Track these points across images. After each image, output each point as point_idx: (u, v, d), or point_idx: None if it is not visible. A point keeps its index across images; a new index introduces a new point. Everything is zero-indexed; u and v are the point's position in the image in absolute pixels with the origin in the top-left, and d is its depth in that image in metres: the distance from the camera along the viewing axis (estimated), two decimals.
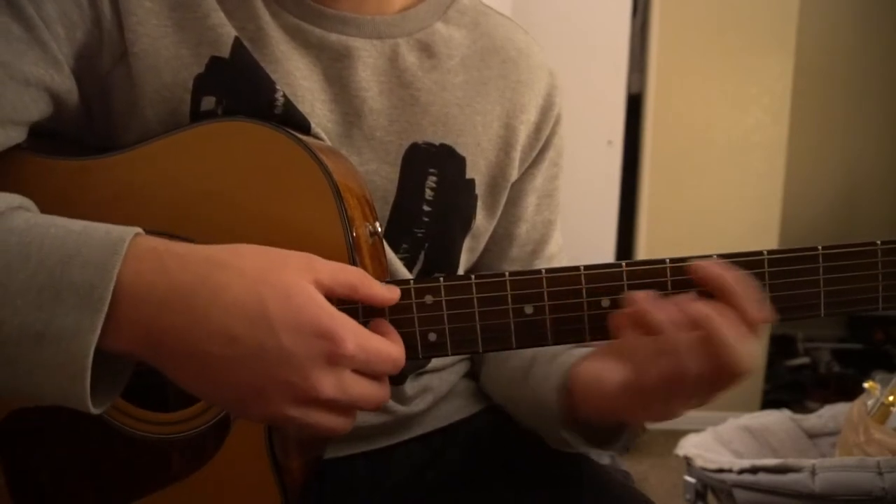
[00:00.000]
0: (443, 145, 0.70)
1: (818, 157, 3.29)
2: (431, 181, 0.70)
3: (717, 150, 2.75)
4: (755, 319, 0.53)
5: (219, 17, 0.63)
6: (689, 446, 1.74)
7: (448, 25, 0.73)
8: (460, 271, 0.75)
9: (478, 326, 0.56)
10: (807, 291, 0.56)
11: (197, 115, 0.63)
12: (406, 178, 0.69)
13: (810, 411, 2.00)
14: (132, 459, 0.62)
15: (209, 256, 0.48)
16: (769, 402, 2.75)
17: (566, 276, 0.56)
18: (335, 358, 0.48)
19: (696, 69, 2.71)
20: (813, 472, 1.46)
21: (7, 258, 0.44)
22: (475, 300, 0.56)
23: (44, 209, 0.53)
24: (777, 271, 0.56)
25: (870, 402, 1.65)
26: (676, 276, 0.55)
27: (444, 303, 0.56)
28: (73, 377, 0.44)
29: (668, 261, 0.56)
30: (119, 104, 0.63)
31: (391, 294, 0.54)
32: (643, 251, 2.77)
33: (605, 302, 0.56)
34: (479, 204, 0.74)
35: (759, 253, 0.56)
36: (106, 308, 0.44)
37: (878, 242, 0.56)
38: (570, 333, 0.57)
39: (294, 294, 0.48)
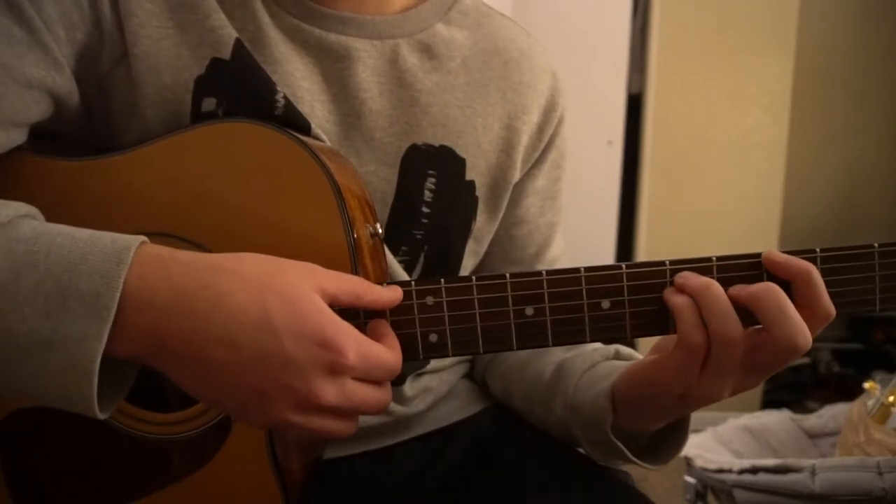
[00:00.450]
0: (442, 147, 0.70)
1: (818, 157, 3.29)
2: (430, 182, 0.70)
3: (717, 150, 2.75)
4: (828, 308, 0.54)
5: (219, 19, 0.63)
6: (689, 446, 1.74)
7: (449, 26, 0.73)
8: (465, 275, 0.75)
9: (478, 327, 0.56)
10: None
11: (198, 117, 0.63)
12: (405, 179, 0.69)
13: (810, 411, 2.00)
14: (132, 460, 0.62)
15: (213, 263, 0.48)
16: (769, 402, 2.75)
17: (567, 278, 0.56)
18: (337, 367, 0.48)
19: (696, 69, 2.71)
20: (813, 472, 1.46)
21: (15, 266, 0.45)
22: (476, 301, 0.56)
23: (45, 210, 0.53)
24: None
25: (870, 403, 1.65)
26: (675, 277, 0.55)
27: (444, 304, 0.56)
28: (80, 383, 0.45)
29: (667, 262, 0.56)
30: (119, 105, 0.63)
31: (394, 295, 0.55)
32: (643, 251, 2.77)
33: (606, 303, 0.56)
34: (480, 206, 0.74)
35: (758, 255, 0.56)
36: (112, 316, 0.45)
37: (876, 245, 0.56)
38: (570, 335, 0.57)
39: (297, 301, 0.48)
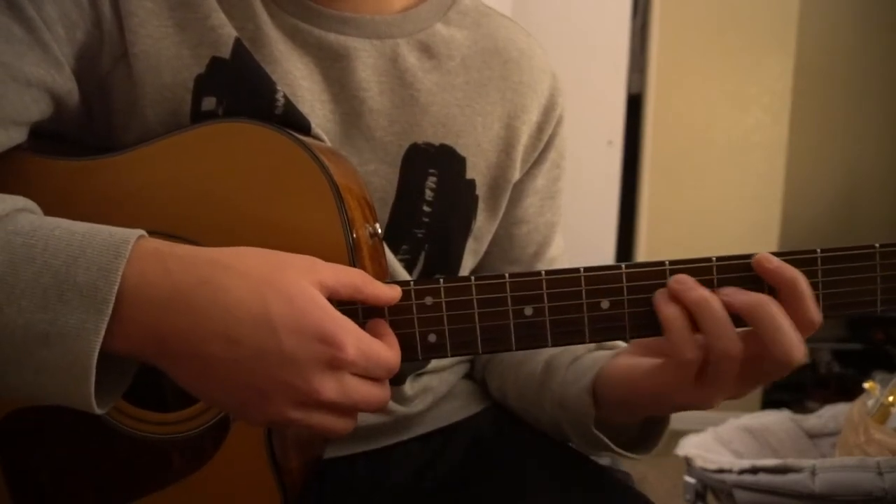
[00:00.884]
0: (443, 146, 0.70)
1: (818, 157, 3.29)
2: (431, 182, 0.70)
3: (717, 150, 2.76)
4: (814, 318, 0.54)
5: (219, 18, 0.63)
6: (689, 446, 1.74)
7: (449, 26, 0.73)
8: (464, 274, 0.75)
9: (477, 328, 0.56)
10: None
11: (197, 116, 0.63)
12: (406, 178, 0.69)
13: (810, 411, 2.00)
14: (132, 459, 0.62)
15: (212, 258, 0.48)
16: (769, 403, 2.75)
17: (566, 278, 0.56)
18: (336, 362, 0.48)
19: (696, 69, 2.71)
20: (813, 473, 1.46)
21: (12, 259, 0.45)
22: (475, 301, 0.56)
23: (45, 209, 0.53)
24: None
25: (870, 403, 1.65)
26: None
27: (443, 304, 0.56)
28: (78, 377, 0.45)
29: (667, 262, 0.56)
30: (119, 104, 0.63)
31: (393, 293, 0.55)
32: (643, 251, 2.77)
33: (605, 304, 0.56)
34: (480, 205, 0.74)
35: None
36: (110, 309, 0.44)
37: (877, 245, 0.56)
38: (569, 335, 0.57)
39: (297, 296, 0.48)
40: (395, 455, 0.74)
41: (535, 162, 0.78)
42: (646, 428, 0.68)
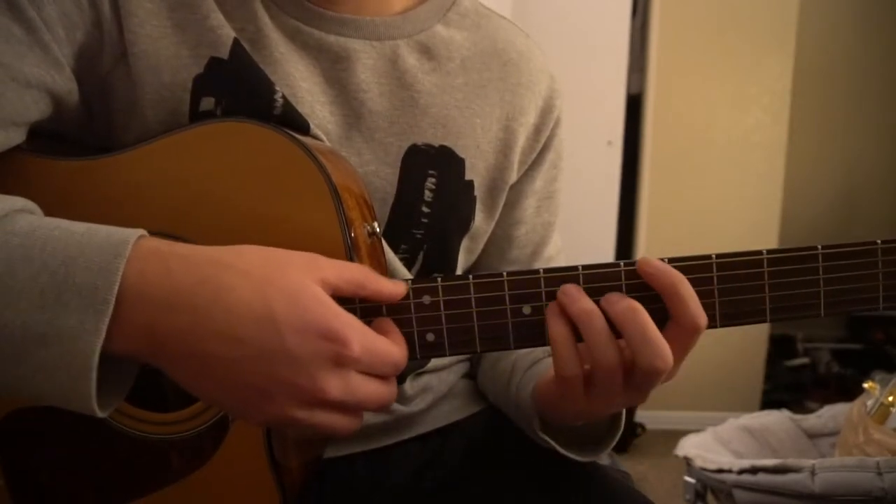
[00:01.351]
0: (442, 147, 0.70)
1: (818, 157, 3.29)
2: (431, 182, 0.70)
3: (717, 150, 2.76)
4: (696, 322, 0.53)
5: (218, 19, 0.63)
6: (689, 446, 1.74)
7: (448, 28, 0.73)
8: (458, 272, 0.75)
9: (476, 327, 0.56)
10: (806, 291, 0.56)
11: (196, 116, 0.63)
12: (405, 179, 0.69)
13: (810, 411, 2.00)
14: (131, 459, 0.62)
15: (213, 257, 0.48)
16: (769, 403, 2.75)
17: (564, 276, 0.56)
18: (341, 359, 0.47)
19: (696, 69, 2.71)
20: (813, 473, 1.46)
21: (10, 260, 0.44)
22: (473, 300, 0.56)
23: (44, 209, 0.53)
24: (776, 271, 0.56)
25: (869, 403, 1.65)
26: None
27: (441, 303, 0.55)
28: (78, 378, 0.44)
29: (666, 260, 0.56)
30: (119, 104, 0.63)
31: (397, 289, 0.54)
32: (643, 251, 2.77)
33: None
34: (478, 205, 0.74)
35: (759, 252, 0.56)
36: (110, 310, 0.44)
37: (879, 242, 0.56)
38: None
39: (299, 293, 0.47)
40: (395, 455, 0.74)
41: (533, 164, 0.78)
42: (613, 428, 0.68)
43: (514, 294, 0.55)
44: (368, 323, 0.54)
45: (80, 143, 0.64)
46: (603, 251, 2.54)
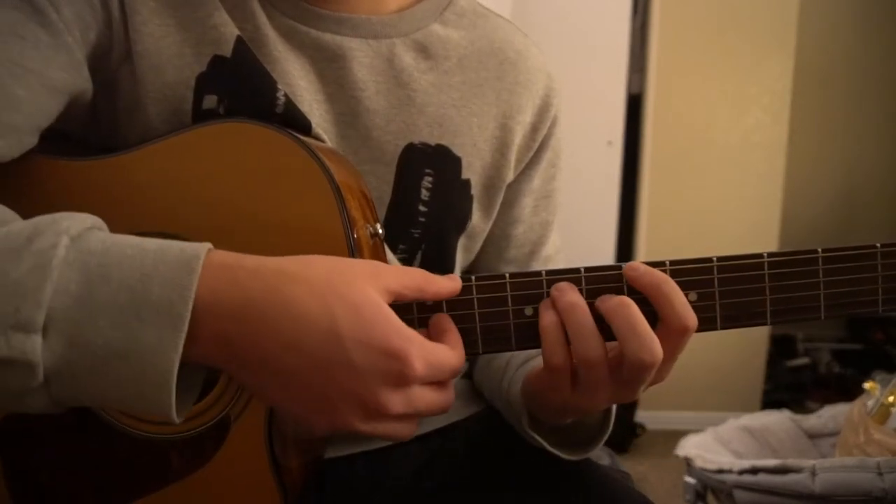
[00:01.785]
0: (439, 146, 0.70)
1: (818, 157, 3.29)
2: (427, 182, 0.70)
3: (717, 150, 2.76)
4: (684, 321, 0.53)
5: (221, 17, 0.64)
6: (689, 447, 1.74)
7: (445, 27, 0.73)
8: (456, 271, 0.76)
9: (478, 328, 0.56)
10: (807, 294, 0.56)
11: (199, 114, 0.63)
12: (402, 178, 0.69)
13: (810, 411, 2.00)
14: (132, 459, 0.62)
15: (280, 268, 0.48)
16: (769, 403, 2.76)
17: (566, 278, 0.56)
18: (404, 379, 0.48)
19: (696, 69, 2.71)
20: (813, 473, 1.46)
21: (89, 280, 0.45)
22: (475, 301, 0.56)
23: (49, 208, 0.53)
24: (777, 274, 0.56)
25: (870, 403, 1.65)
26: (676, 278, 0.55)
27: (444, 304, 0.56)
28: (158, 391, 0.45)
29: (667, 262, 0.56)
30: (123, 102, 0.63)
31: (455, 285, 0.55)
32: (643, 251, 2.77)
33: None
34: (475, 205, 0.74)
35: (759, 255, 0.56)
36: (186, 325, 0.44)
37: (878, 245, 0.56)
38: None
39: (363, 306, 0.47)
40: (395, 455, 0.74)
41: (530, 162, 0.78)
42: (603, 429, 0.68)
43: (516, 295, 0.56)
44: (426, 319, 0.55)
45: (84, 141, 0.64)
46: (603, 251, 2.54)
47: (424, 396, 0.49)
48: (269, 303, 0.46)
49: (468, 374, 0.83)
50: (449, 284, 0.54)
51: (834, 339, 3.31)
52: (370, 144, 0.69)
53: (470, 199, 0.73)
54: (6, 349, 0.43)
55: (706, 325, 0.56)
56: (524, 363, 0.70)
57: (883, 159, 3.35)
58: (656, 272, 0.54)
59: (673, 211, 2.77)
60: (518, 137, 0.75)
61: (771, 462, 1.55)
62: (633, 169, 2.77)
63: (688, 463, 1.71)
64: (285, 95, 0.64)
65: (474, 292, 0.56)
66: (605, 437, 0.68)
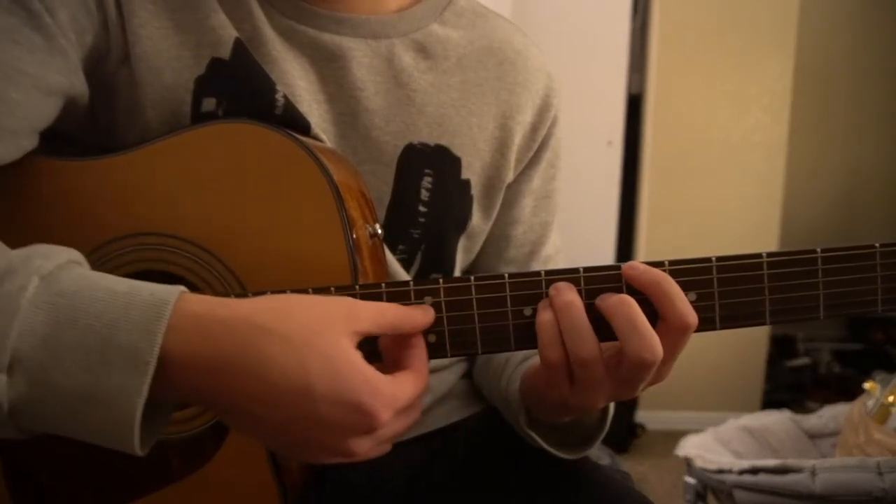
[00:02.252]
0: (438, 146, 0.70)
1: (818, 157, 3.29)
2: (427, 182, 0.70)
3: (717, 150, 2.76)
4: (684, 319, 0.54)
5: (219, 19, 0.64)
6: (690, 447, 1.74)
7: (444, 26, 0.73)
8: (456, 271, 0.76)
9: (477, 328, 0.56)
10: (806, 294, 0.56)
11: (198, 116, 0.63)
12: (401, 178, 0.69)
13: (810, 412, 2.00)
14: (132, 459, 0.61)
15: (253, 323, 0.48)
16: (769, 403, 2.75)
17: (565, 278, 0.56)
18: (371, 429, 0.49)
19: (696, 69, 2.71)
20: (813, 473, 1.46)
21: (57, 321, 0.45)
22: (474, 301, 0.56)
23: (47, 209, 0.53)
24: (776, 274, 0.56)
25: (870, 403, 1.65)
26: (675, 278, 0.55)
27: (443, 304, 0.56)
28: (123, 432, 0.45)
29: (667, 262, 0.56)
30: (122, 105, 0.63)
31: (427, 317, 0.55)
32: (643, 251, 2.77)
33: None
34: (475, 205, 0.74)
35: (759, 255, 0.56)
36: (152, 370, 0.45)
37: (877, 245, 0.56)
38: None
39: (337, 360, 0.48)
40: (395, 455, 0.74)
41: (530, 162, 0.78)
42: (599, 428, 0.68)
43: (515, 296, 0.56)
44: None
45: (81, 143, 0.64)
46: (603, 251, 2.54)
47: (393, 428, 0.51)
48: (242, 360, 0.47)
49: (468, 375, 0.83)
50: (423, 317, 0.55)
51: (834, 339, 3.31)
52: (369, 144, 0.69)
53: (470, 199, 0.73)
54: None
55: (705, 325, 0.56)
56: (523, 361, 0.71)
57: (883, 159, 3.35)
58: (655, 270, 0.54)
59: (673, 211, 2.76)
60: (518, 137, 0.75)
61: (771, 462, 1.54)
62: (633, 169, 2.77)
63: (688, 463, 1.71)
64: (284, 97, 0.64)
65: (473, 292, 0.55)
66: (602, 436, 0.68)
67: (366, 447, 0.50)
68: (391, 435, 0.51)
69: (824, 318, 0.57)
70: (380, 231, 0.63)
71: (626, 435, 2.66)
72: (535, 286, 0.56)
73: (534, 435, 0.66)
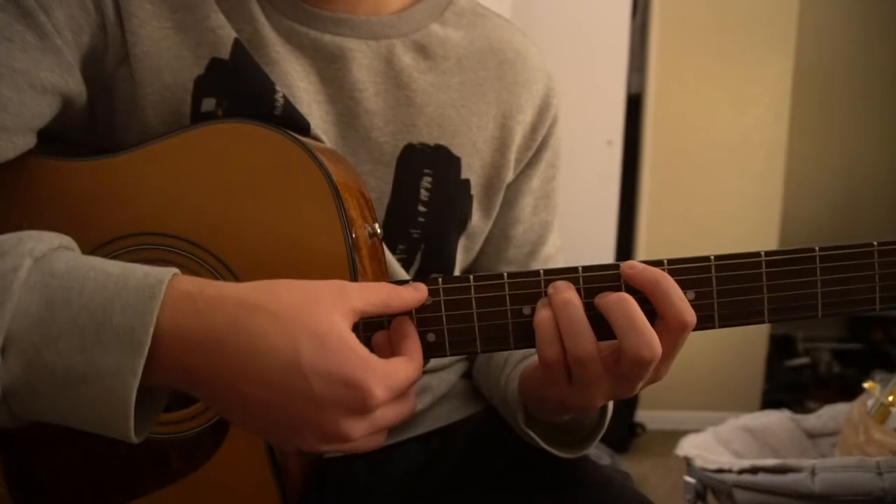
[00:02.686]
0: (438, 146, 0.71)
1: (818, 157, 3.29)
2: (426, 182, 0.70)
3: (717, 150, 2.76)
4: (683, 317, 0.54)
5: (218, 19, 0.64)
6: (689, 446, 1.74)
7: (445, 27, 0.73)
8: (456, 271, 0.76)
9: (476, 327, 0.56)
10: (804, 292, 0.56)
11: (197, 117, 0.63)
12: (401, 179, 0.69)
13: (810, 411, 2.00)
14: (131, 459, 0.62)
15: (243, 300, 0.48)
16: (769, 402, 2.75)
17: (564, 277, 0.56)
18: (366, 406, 0.48)
19: (696, 69, 2.71)
20: (813, 473, 1.46)
21: (49, 302, 0.45)
22: (473, 301, 0.56)
23: (46, 209, 0.53)
24: (774, 272, 0.56)
25: (869, 403, 1.65)
26: (674, 277, 0.55)
27: (442, 303, 0.56)
28: (117, 415, 0.45)
29: (665, 262, 0.56)
30: (121, 105, 0.63)
31: (419, 294, 0.55)
32: (643, 251, 2.77)
33: None
34: (475, 204, 0.74)
35: (757, 254, 0.56)
36: (146, 350, 0.45)
37: (875, 244, 0.56)
38: None
39: (327, 337, 0.48)
40: (395, 455, 0.74)
41: (530, 162, 0.78)
42: (597, 428, 0.68)
43: (514, 295, 0.56)
44: (390, 324, 0.55)
45: (80, 143, 0.64)
46: (603, 251, 2.54)
47: (387, 414, 0.50)
48: (231, 336, 0.46)
49: (468, 374, 0.83)
50: (415, 295, 0.55)
51: (834, 338, 3.31)
52: (369, 145, 0.69)
53: (469, 199, 0.74)
54: None
55: (704, 323, 0.56)
56: (522, 360, 0.71)
57: (883, 159, 3.35)
58: (654, 269, 0.55)
59: (673, 211, 2.77)
60: (517, 137, 0.75)
61: (771, 462, 1.54)
62: (633, 169, 2.77)
63: (688, 463, 1.71)
64: (284, 97, 0.64)
65: (472, 292, 0.56)
66: (601, 436, 0.68)
67: (360, 430, 0.49)
68: (385, 422, 0.50)
69: (822, 317, 0.57)
70: (379, 231, 0.63)
71: (626, 435, 2.66)
72: (534, 285, 0.56)
73: (532, 434, 0.66)
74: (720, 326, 0.57)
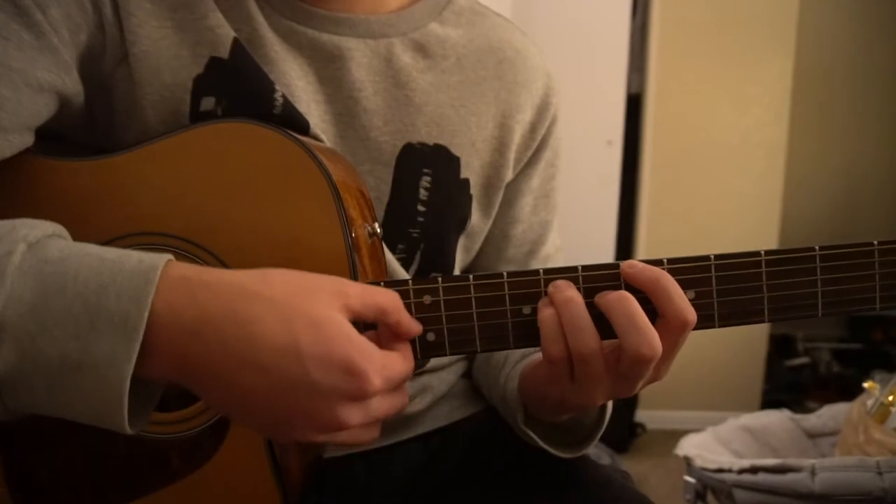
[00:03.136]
0: (437, 146, 0.71)
1: (818, 157, 3.29)
2: (425, 181, 0.70)
3: (717, 150, 2.76)
4: (683, 315, 0.54)
5: (217, 19, 0.64)
6: (689, 446, 1.74)
7: (444, 26, 0.73)
8: (456, 271, 0.76)
9: (476, 327, 0.56)
10: (804, 291, 0.56)
11: (196, 116, 0.63)
12: (400, 178, 0.69)
13: (810, 411, 2.00)
14: (131, 459, 0.62)
15: (239, 286, 0.48)
16: (769, 402, 2.75)
17: (564, 277, 0.56)
18: (362, 394, 0.48)
19: (696, 69, 2.71)
20: (813, 472, 1.46)
21: (44, 289, 0.44)
22: (473, 300, 0.56)
23: (45, 209, 0.53)
24: (774, 271, 0.56)
25: (869, 402, 1.65)
26: (674, 277, 0.55)
27: (442, 303, 0.56)
28: (111, 403, 0.45)
29: (665, 261, 0.56)
30: (120, 105, 0.63)
31: (415, 327, 0.55)
32: (643, 251, 2.77)
33: None
34: (474, 204, 0.74)
35: (757, 253, 0.56)
36: (141, 336, 0.44)
37: (875, 243, 0.56)
38: None
39: (324, 325, 0.47)
40: (395, 455, 0.74)
41: (529, 161, 0.78)
42: (597, 427, 0.68)
43: (513, 294, 0.56)
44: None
45: (78, 143, 0.64)
46: (603, 251, 2.54)
47: (382, 405, 0.50)
48: (228, 321, 0.46)
49: (468, 374, 0.83)
50: (412, 323, 0.54)
51: (834, 338, 3.31)
52: (368, 144, 0.69)
53: (469, 198, 0.73)
54: None
55: (704, 322, 0.56)
56: (521, 359, 0.71)
57: (883, 159, 3.35)
58: (654, 268, 0.55)
59: (673, 211, 2.77)
60: (517, 137, 0.75)
61: (770, 461, 1.54)
62: (633, 168, 2.77)
63: (688, 462, 1.71)
64: (283, 97, 0.64)
65: (472, 291, 0.56)
66: (600, 435, 0.68)
67: (356, 418, 0.48)
68: (380, 412, 0.50)
69: (822, 316, 0.57)
70: (379, 230, 0.63)
71: (626, 435, 2.66)
72: (533, 285, 0.56)
73: (531, 433, 0.66)
74: (720, 326, 0.57)
